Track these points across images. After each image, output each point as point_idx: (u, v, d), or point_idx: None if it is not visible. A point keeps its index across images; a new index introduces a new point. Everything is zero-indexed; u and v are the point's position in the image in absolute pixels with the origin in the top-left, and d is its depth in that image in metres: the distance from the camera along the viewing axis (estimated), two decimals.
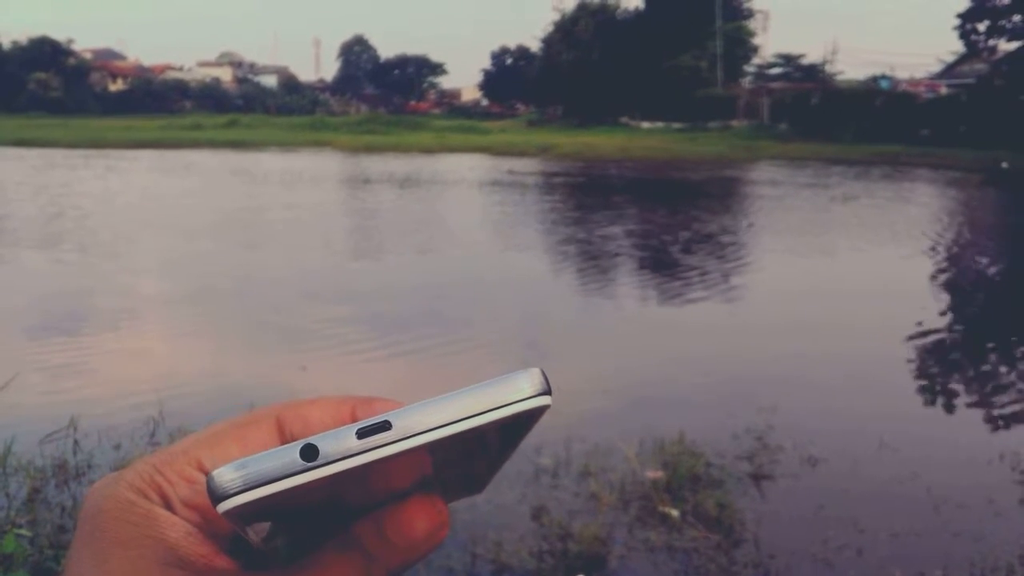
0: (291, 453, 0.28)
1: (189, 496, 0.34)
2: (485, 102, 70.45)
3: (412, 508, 0.33)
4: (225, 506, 0.28)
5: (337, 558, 0.33)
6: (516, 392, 0.30)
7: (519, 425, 0.32)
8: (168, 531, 0.33)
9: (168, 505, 0.33)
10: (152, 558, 0.32)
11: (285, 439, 0.34)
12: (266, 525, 0.32)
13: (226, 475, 0.28)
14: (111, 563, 0.33)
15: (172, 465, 0.34)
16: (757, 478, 3.97)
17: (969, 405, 5.38)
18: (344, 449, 0.29)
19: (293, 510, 0.31)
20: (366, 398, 0.36)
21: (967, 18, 35.36)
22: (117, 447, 4.17)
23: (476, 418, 0.30)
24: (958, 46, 37.40)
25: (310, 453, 0.28)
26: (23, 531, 3.27)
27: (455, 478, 0.36)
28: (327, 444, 0.29)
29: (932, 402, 5.38)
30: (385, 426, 0.29)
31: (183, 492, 0.34)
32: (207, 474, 0.29)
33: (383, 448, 0.29)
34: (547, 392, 0.31)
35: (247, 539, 0.32)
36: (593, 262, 10.09)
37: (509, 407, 0.30)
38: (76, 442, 4.18)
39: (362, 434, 0.29)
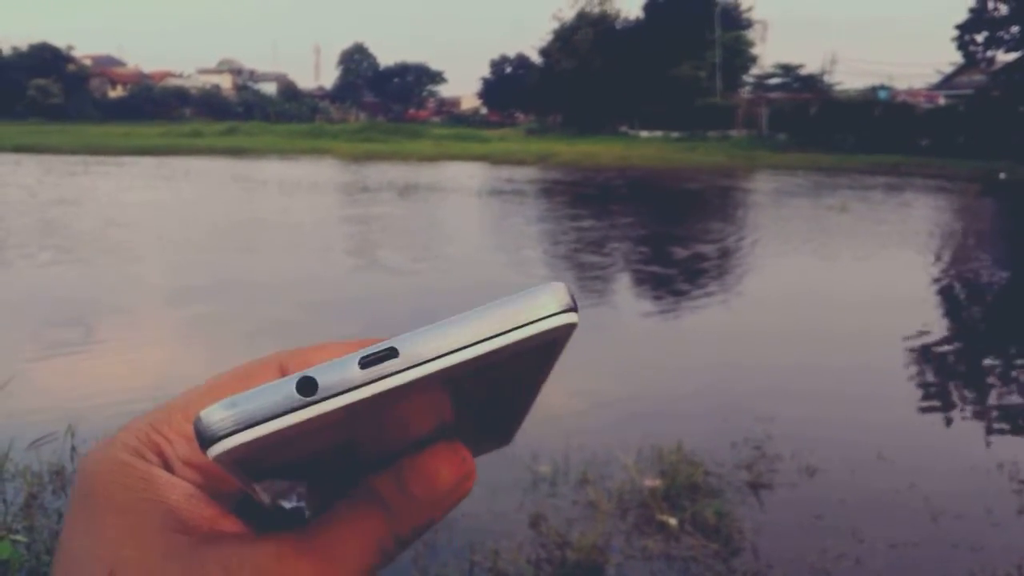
0: (287, 387, 0.25)
1: (189, 455, 0.31)
2: (484, 111, 70.63)
3: (434, 457, 0.30)
4: (215, 450, 0.25)
5: (355, 515, 0.30)
6: (538, 309, 0.27)
7: (543, 352, 0.28)
8: (168, 493, 0.30)
9: (167, 465, 0.31)
10: (152, 523, 0.30)
11: None
12: (277, 483, 0.29)
13: (215, 415, 0.25)
14: (107, 531, 0.30)
15: (170, 422, 0.32)
16: (755, 487, 3.97)
17: (967, 415, 5.39)
18: (346, 381, 0.25)
19: (302, 461, 0.28)
20: (377, 340, 0.31)
21: (965, 29, 35.45)
22: None
23: (493, 340, 0.26)
24: (956, 57, 37.48)
25: (308, 387, 0.25)
26: (19, 537, 3.26)
27: (478, 424, 0.33)
28: (326, 376, 0.25)
29: (930, 412, 5.38)
30: (392, 353, 0.26)
31: (182, 450, 0.31)
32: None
33: (390, 378, 0.26)
34: (573, 309, 0.27)
35: (255, 496, 0.30)
36: (588, 269, 10.09)
37: (531, 326, 0.26)
38: (74, 448, 4.17)
39: (365, 364, 0.26)
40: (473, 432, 0.33)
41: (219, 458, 0.26)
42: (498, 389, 0.31)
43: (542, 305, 0.27)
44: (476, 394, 0.30)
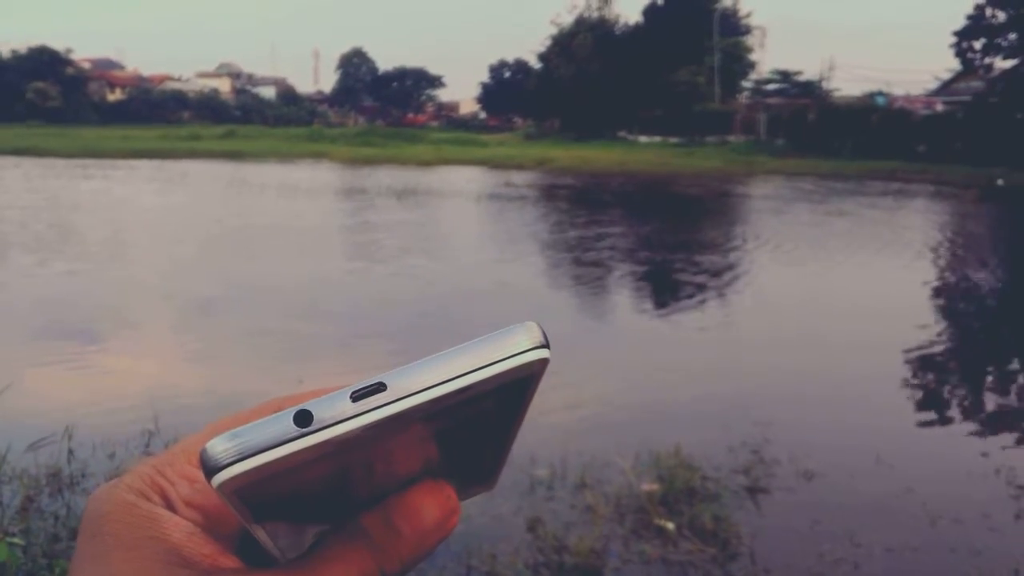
0: (285, 420, 0.27)
1: (191, 495, 0.33)
2: (483, 115, 70.69)
3: (420, 493, 0.32)
4: (219, 478, 0.27)
5: (344, 551, 0.32)
6: (514, 346, 0.29)
7: (519, 388, 0.30)
8: (171, 531, 0.32)
9: (170, 505, 0.33)
10: (156, 559, 0.31)
11: None
12: (274, 525, 0.31)
13: (219, 445, 0.27)
14: (114, 565, 0.31)
15: (172, 465, 0.34)
16: (753, 492, 3.97)
17: (964, 420, 5.38)
18: (338, 413, 0.27)
19: (298, 498, 0.30)
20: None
21: (963, 36, 35.54)
22: (112, 456, 4.16)
23: (474, 374, 0.28)
24: (954, 64, 37.62)
25: (304, 419, 0.27)
26: (16, 540, 3.26)
27: (463, 466, 0.35)
28: (321, 409, 0.27)
29: (928, 417, 5.38)
30: (380, 387, 0.28)
31: (184, 492, 0.33)
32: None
33: (379, 410, 0.28)
34: (546, 345, 0.29)
35: (253, 534, 0.31)
36: (585, 274, 10.09)
37: (508, 361, 0.29)
38: (71, 451, 4.16)
39: (357, 397, 0.28)
40: (458, 474, 0.34)
41: (222, 487, 0.27)
42: (479, 428, 0.32)
43: (518, 342, 0.29)
44: (459, 433, 0.32)
